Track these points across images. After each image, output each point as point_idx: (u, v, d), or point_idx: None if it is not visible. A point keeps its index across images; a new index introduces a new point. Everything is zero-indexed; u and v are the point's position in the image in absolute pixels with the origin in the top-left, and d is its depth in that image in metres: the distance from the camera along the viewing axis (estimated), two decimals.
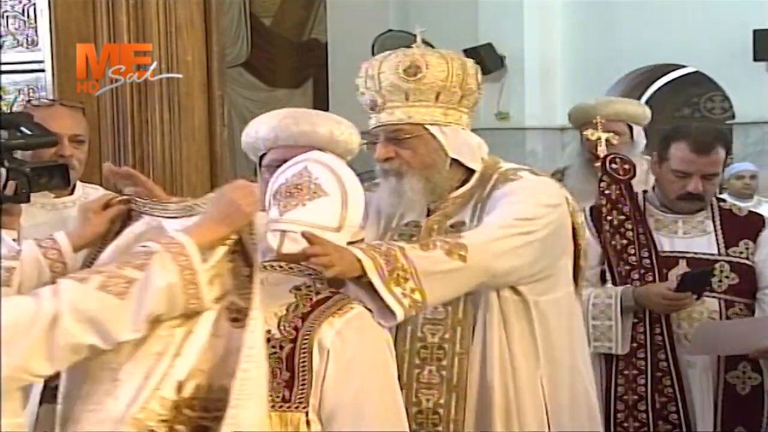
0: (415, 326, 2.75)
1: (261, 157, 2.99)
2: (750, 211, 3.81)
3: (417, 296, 2.41)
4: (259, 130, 2.96)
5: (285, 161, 2.89)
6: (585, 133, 4.00)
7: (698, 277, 3.52)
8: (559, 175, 5.00)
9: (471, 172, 2.81)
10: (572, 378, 2.86)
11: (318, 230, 2.33)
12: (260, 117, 3.08)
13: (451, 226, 2.78)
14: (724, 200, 3.86)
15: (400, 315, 2.37)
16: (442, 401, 2.72)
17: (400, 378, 2.46)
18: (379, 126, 2.74)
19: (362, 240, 2.51)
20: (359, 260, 2.34)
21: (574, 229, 2.82)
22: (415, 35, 2.88)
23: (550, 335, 2.78)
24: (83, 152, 3.41)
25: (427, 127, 2.72)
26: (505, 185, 2.74)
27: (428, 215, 2.83)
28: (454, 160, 2.77)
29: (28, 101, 3.96)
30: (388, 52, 2.76)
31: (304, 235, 2.24)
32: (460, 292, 2.61)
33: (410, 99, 2.70)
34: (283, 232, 2.35)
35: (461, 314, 2.73)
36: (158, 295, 2.02)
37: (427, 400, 2.73)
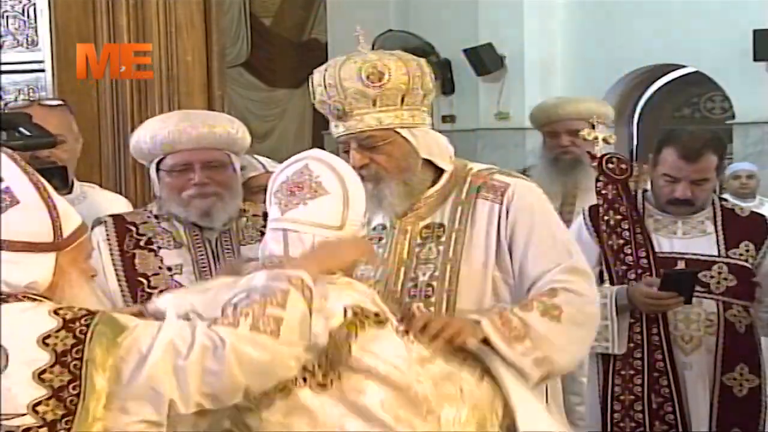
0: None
1: (158, 162, 3.03)
2: (752, 212, 3.78)
3: (538, 354, 2.57)
4: (156, 135, 3.00)
5: (187, 164, 2.97)
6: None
7: (681, 277, 3.50)
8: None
9: (439, 171, 2.83)
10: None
11: (321, 229, 2.35)
12: (150, 122, 3.13)
13: (426, 227, 2.80)
14: (726, 200, 3.83)
15: (532, 376, 2.56)
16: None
17: None
18: (350, 134, 2.74)
19: (365, 237, 2.55)
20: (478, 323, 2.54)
21: None
22: (358, 36, 2.84)
23: None
24: (64, 152, 3.38)
25: (398, 130, 2.73)
26: (503, 203, 2.77)
27: (398, 217, 2.84)
28: (424, 161, 2.78)
29: (6, 104, 3.96)
30: (339, 59, 2.76)
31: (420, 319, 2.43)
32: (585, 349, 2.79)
33: (377, 105, 2.70)
34: (285, 231, 2.37)
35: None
36: (300, 327, 2.09)
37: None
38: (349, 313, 2.25)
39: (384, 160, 2.73)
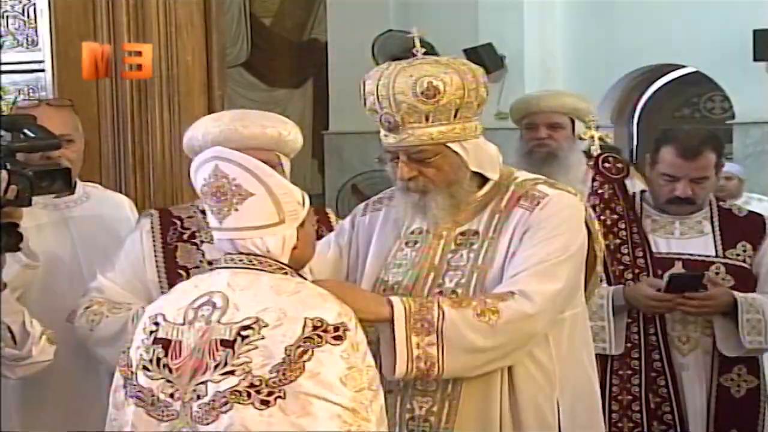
0: None
1: None
2: (750, 212, 3.76)
3: (432, 351, 2.51)
4: (207, 133, 2.98)
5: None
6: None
7: (688, 279, 3.50)
8: None
9: (485, 179, 2.80)
10: (588, 394, 2.86)
11: (262, 230, 2.34)
12: (204, 120, 3.11)
13: (461, 234, 2.77)
14: (724, 200, 3.82)
15: (401, 372, 2.51)
16: (435, 408, 2.70)
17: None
18: (400, 146, 2.71)
19: (310, 210, 2.46)
20: (391, 305, 2.52)
21: (590, 235, 2.79)
22: (413, 38, 2.82)
23: (566, 353, 2.77)
24: (73, 151, 3.38)
25: (449, 144, 2.70)
26: (533, 212, 2.71)
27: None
28: (473, 171, 2.75)
29: (13, 102, 3.96)
30: (394, 67, 2.70)
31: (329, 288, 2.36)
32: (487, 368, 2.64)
33: (430, 119, 2.67)
34: (231, 240, 2.37)
35: None
36: None
37: (420, 408, 2.71)
38: (309, 327, 2.21)
39: (433, 173, 2.71)
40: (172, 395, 2.25)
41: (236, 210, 2.35)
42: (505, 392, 2.69)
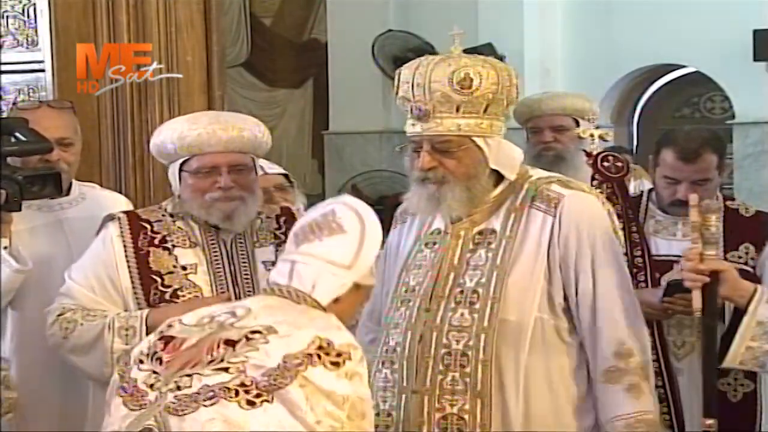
0: (440, 333, 2.76)
1: (182, 163, 3.02)
2: (758, 211, 3.68)
3: None
4: (185, 137, 2.97)
5: (214, 167, 2.95)
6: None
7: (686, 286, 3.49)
8: None
9: (501, 177, 2.82)
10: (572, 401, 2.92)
11: (330, 265, 2.33)
12: (177, 122, 3.09)
13: (479, 233, 2.80)
14: (732, 199, 3.75)
15: None
16: (467, 407, 2.71)
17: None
18: (426, 135, 2.73)
19: (371, 285, 2.46)
20: None
21: None
22: (452, 36, 2.85)
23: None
24: (72, 154, 3.37)
25: (474, 138, 2.73)
26: (557, 217, 2.77)
27: (453, 221, 2.84)
28: (491, 169, 2.79)
29: (14, 103, 3.96)
30: (433, 58, 2.75)
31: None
32: None
33: (461, 110, 2.71)
34: (293, 262, 2.35)
35: (486, 322, 2.74)
36: None
37: (452, 406, 2.73)
38: (315, 344, 2.21)
39: (453, 165, 2.74)
40: (152, 386, 2.24)
41: (320, 240, 2.34)
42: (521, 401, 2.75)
